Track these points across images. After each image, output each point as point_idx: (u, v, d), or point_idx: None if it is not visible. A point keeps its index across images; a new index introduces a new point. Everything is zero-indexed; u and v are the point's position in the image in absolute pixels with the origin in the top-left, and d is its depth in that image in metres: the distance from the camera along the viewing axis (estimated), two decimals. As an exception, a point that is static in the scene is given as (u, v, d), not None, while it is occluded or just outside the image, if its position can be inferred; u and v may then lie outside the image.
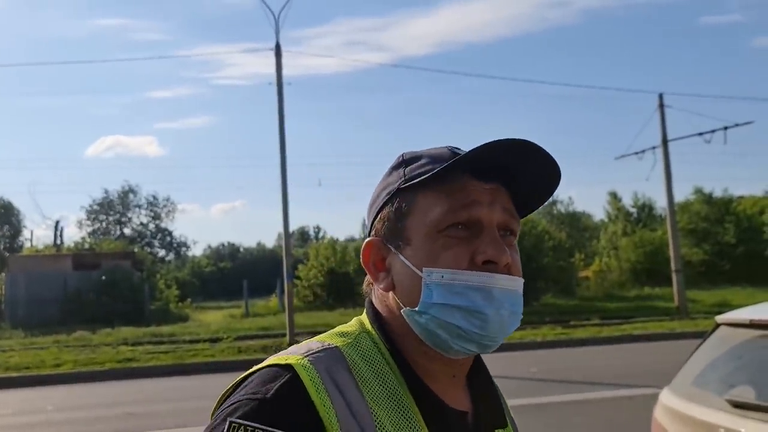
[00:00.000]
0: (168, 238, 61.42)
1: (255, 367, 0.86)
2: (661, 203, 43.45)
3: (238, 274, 47.08)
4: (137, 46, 78.60)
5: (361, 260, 0.97)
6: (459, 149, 0.95)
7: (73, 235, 69.98)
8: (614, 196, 44.97)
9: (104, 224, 58.34)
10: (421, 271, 0.88)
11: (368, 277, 0.98)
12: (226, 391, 0.87)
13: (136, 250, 40.93)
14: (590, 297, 29.65)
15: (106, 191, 57.60)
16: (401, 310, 0.90)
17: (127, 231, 58.39)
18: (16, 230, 54.14)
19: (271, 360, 0.87)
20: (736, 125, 20.26)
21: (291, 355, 0.87)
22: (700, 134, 21.07)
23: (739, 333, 3.04)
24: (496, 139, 0.85)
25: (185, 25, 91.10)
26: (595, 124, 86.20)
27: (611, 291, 31.70)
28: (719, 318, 3.26)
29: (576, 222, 52.19)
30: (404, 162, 0.96)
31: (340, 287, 28.75)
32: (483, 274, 0.87)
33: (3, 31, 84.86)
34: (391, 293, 0.93)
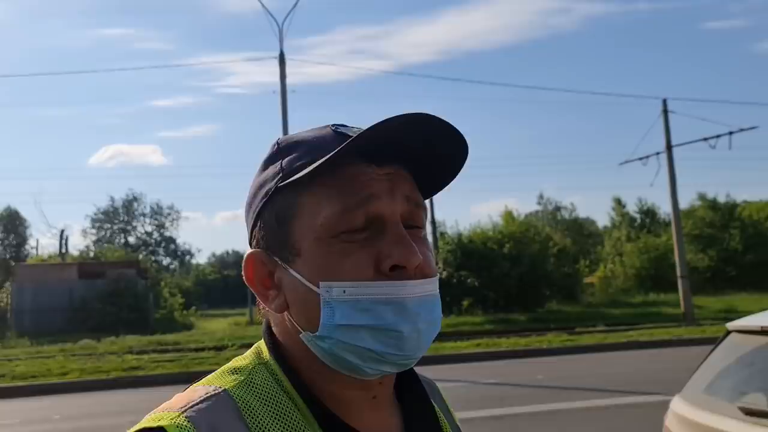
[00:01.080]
0: (172, 247, 61.60)
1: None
2: (665, 209, 43.43)
3: (242, 281, 46.98)
4: (141, 55, 79.16)
5: (244, 278, 0.81)
6: (344, 128, 0.80)
7: (77, 243, 70.21)
8: (618, 202, 44.91)
9: (108, 233, 58.57)
10: (318, 287, 0.73)
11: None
12: None
13: (140, 258, 40.99)
14: (595, 303, 29.56)
15: (111, 199, 57.96)
16: (300, 335, 0.76)
17: (131, 239, 58.60)
18: (22, 239, 54.31)
19: (144, 422, 0.72)
20: (741, 130, 20.24)
21: (166, 412, 0.71)
22: (705, 139, 21.05)
23: (751, 340, 3.03)
24: (387, 117, 0.72)
25: (188, 34, 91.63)
26: (599, 131, 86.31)
27: (616, 297, 31.61)
28: (730, 325, 3.25)
29: (580, 228, 52.09)
30: (280, 152, 0.80)
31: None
32: (393, 284, 0.73)
33: (8, 42, 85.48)
34: (285, 314, 0.78)
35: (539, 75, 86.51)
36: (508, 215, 30.69)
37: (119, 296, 27.94)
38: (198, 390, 0.76)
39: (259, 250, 0.80)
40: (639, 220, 43.62)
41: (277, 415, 0.74)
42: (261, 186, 0.80)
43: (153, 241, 60.21)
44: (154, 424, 0.70)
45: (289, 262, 0.77)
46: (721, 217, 37.05)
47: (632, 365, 11.92)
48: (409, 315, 0.73)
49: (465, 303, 26.22)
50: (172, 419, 0.70)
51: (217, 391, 0.75)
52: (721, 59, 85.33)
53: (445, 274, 26.80)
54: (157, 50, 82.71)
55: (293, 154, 0.79)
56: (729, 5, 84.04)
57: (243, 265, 0.81)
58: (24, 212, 58.27)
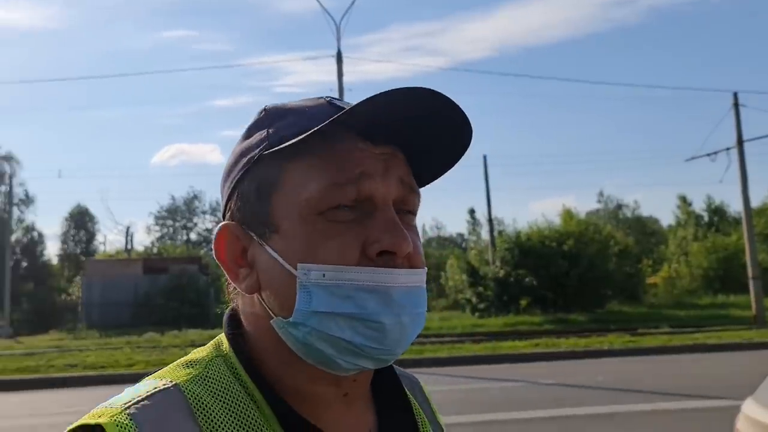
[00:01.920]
0: (232, 243, 63.16)
1: (66, 429, 0.66)
2: (734, 207, 41.65)
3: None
4: (202, 56, 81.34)
5: (213, 253, 0.74)
6: (340, 101, 0.74)
7: (142, 239, 72.89)
8: (684, 200, 43.37)
9: (171, 230, 60.53)
10: (296, 268, 0.67)
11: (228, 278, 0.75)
12: None
13: (201, 254, 42.23)
14: (658, 304, 28.65)
15: (173, 197, 59.90)
16: (271, 320, 0.70)
17: (192, 236, 60.41)
18: (91, 235, 56.81)
19: (84, 418, 0.65)
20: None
21: (108, 408, 0.65)
22: (778, 134, 20.05)
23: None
24: (386, 90, 0.65)
25: (247, 35, 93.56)
26: (663, 126, 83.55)
27: (681, 298, 30.54)
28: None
29: (642, 227, 50.57)
30: (268, 118, 0.73)
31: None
32: (379, 271, 0.66)
33: (75, 46, 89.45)
34: (256, 296, 0.72)
35: (601, 69, 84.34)
36: (567, 213, 30.07)
37: (181, 291, 28.86)
38: (146, 384, 0.69)
39: (233, 223, 0.73)
40: (706, 219, 41.99)
41: (232, 412, 0.67)
42: (243, 154, 0.73)
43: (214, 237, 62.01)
44: (93, 421, 0.64)
45: (265, 239, 0.70)
46: (795, 215, 35.23)
47: (698, 369, 11.48)
48: (393, 306, 0.67)
49: (523, 302, 25.85)
50: (112, 416, 0.63)
51: (166, 386, 0.68)
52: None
53: (502, 273, 26.51)
54: (217, 51, 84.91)
55: (282, 122, 0.72)
56: (805, -8, 79.71)
57: (214, 238, 0.74)
58: (92, 209, 60.95)
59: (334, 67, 17.97)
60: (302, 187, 0.69)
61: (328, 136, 0.67)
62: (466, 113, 0.71)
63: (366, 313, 0.66)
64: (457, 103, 0.69)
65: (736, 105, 21.57)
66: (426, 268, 0.73)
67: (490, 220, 30.06)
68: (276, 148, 0.69)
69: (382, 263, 0.67)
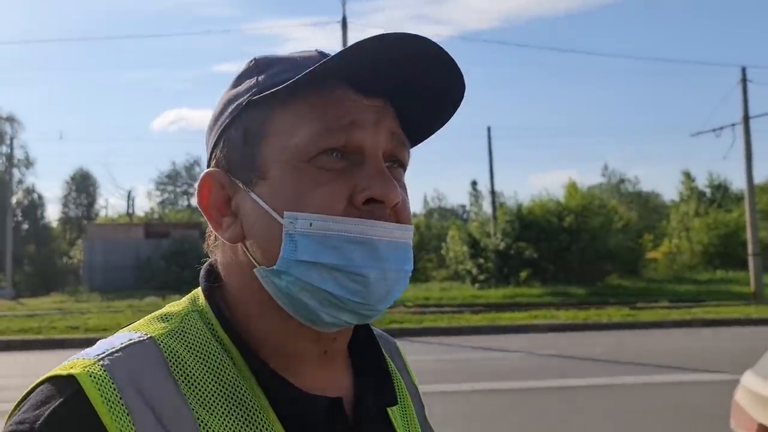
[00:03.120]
0: (233, 210, 63.41)
1: (37, 380, 0.64)
2: (737, 183, 41.56)
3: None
4: (205, 21, 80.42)
5: (197, 201, 0.72)
6: (332, 53, 0.71)
7: (143, 204, 73.00)
8: (687, 176, 43.24)
9: (172, 195, 60.60)
10: (282, 216, 0.66)
11: (210, 228, 0.73)
12: (11, 411, 0.64)
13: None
14: (658, 279, 28.75)
15: (174, 163, 59.80)
16: (254, 269, 0.68)
17: (193, 202, 60.44)
18: (93, 199, 56.88)
19: (56, 369, 0.63)
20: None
21: (80, 359, 0.63)
22: (786, 110, 19.88)
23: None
24: (375, 34, 0.63)
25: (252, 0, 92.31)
26: (668, 101, 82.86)
27: (681, 273, 30.64)
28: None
29: (645, 202, 50.52)
30: (257, 67, 0.72)
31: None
32: (366, 222, 0.65)
33: (78, 5, 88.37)
34: (239, 246, 0.70)
35: (607, 42, 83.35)
36: (572, 186, 29.97)
37: (183, 256, 28.96)
38: (120, 336, 0.68)
39: (218, 170, 0.71)
40: (709, 195, 41.90)
41: (209, 367, 0.66)
42: (231, 101, 0.71)
43: (215, 204, 62.18)
44: (65, 372, 0.62)
45: (251, 186, 0.69)
46: (798, 193, 35.14)
47: (696, 343, 11.57)
48: (378, 259, 0.65)
49: (523, 274, 25.95)
50: (85, 367, 0.62)
51: (141, 338, 0.67)
52: (808, 25, 79.99)
53: (503, 245, 26.55)
54: (220, 16, 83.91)
55: (272, 70, 0.70)
56: (819, -33, 78.28)
57: (198, 185, 0.72)
58: (94, 173, 60.85)
59: (339, 33, 17.77)
60: (291, 133, 0.67)
61: (318, 85, 0.66)
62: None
63: (351, 265, 0.65)
64: (457, 64, 0.67)
65: (744, 80, 21.34)
66: (413, 226, 0.71)
67: (492, 192, 29.99)
68: (264, 93, 0.68)
69: (369, 213, 0.66)
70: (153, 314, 0.72)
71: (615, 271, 27.62)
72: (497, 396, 7.42)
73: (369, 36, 0.63)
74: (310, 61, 0.68)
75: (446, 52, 0.66)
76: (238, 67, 0.75)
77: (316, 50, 0.72)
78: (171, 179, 60.32)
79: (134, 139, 77.74)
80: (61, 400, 0.60)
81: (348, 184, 0.66)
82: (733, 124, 21.34)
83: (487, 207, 33.32)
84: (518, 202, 29.43)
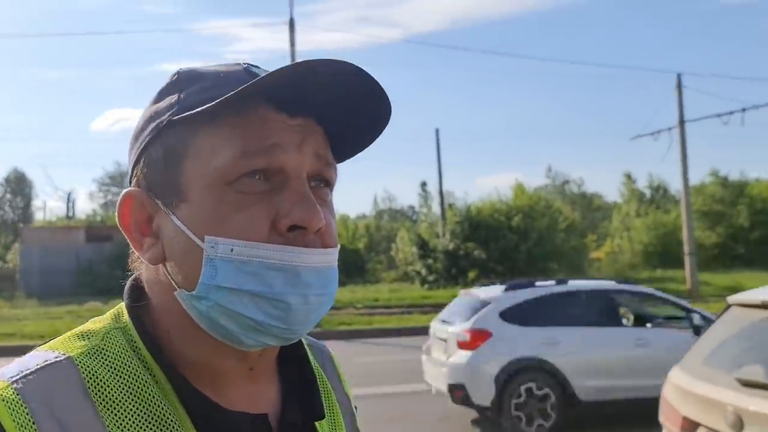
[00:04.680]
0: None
1: None
2: (675, 185, 43.17)
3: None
4: (147, 18, 78.56)
5: (117, 220, 0.71)
6: (257, 68, 0.71)
7: (85, 207, 70.69)
8: (629, 177, 44.66)
9: (116, 197, 58.93)
10: (203, 240, 0.64)
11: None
12: None
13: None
14: (601, 278, 29.55)
15: (118, 163, 58.14)
16: (174, 292, 0.67)
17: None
18: (28, 200, 54.78)
19: None
20: (754, 107, 19.95)
21: None
22: (718, 116, 20.77)
23: (751, 313, 3.00)
24: (304, 60, 0.64)
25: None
26: (610, 105, 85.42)
27: (623, 272, 31.59)
28: (731, 299, 3.23)
29: (588, 203, 51.93)
30: (180, 82, 0.70)
31: (350, 264, 28.82)
32: (288, 249, 0.64)
33: (16, 1, 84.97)
34: (160, 267, 0.69)
35: (552, 47, 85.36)
36: (519, 188, 30.54)
37: (126, 260, 28.07)
38: (36, 356, 0.65)
39: (139, 189, 0.70)
40: (649, 196, 43.39)
41: (130, 388, 0.64)
42: (152, 118, 0.70)
43: (161, 207, 60.90)
44: None
45: (172, 208, 0.67)
46: (730, 194, 36.76)
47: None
48: (300, 285, 0.65)
49: (471, 275, 26.28)
50: None
51: (58, 359, 0.64)
52: (737, 35, 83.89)
53: (452, 245, 26.83)
54: (164, 14, 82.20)
55: (194, 87, 0.69)
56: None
57: (118, 205, 0.71)
58: (30, 174, 58.55)
59: (287, 35, 17.61)
60: (212, 155, 0.65)
61: (240, 105, 0.65)
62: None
63: (271, 292, 0.64)
64: (380, 82, 0.67)
65: (679, 86, 22.18)
66: (338, 245, 0.71)
67: (441, 193, 30.27)
68: (186, 114, 0.66)
69: (293, 239, 0.65)
70: (73, 331, 0.70)
71: (561, 271, 28.25)
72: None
73: (292, 63, 0.63)
74: (234, 78, 0.67)
75: (370, 76, 0.66)
76: (185, 67, 0.74)
77: (242, 66, 0.71)
78: (114, 180, 58.62)
79: (73, 139, 75.27)
80: None
81: (270, 209, 0.65)
82: (670, 128, 22.17)
83: (436, 208, 33.63)
84: (467, 203, 29.82)
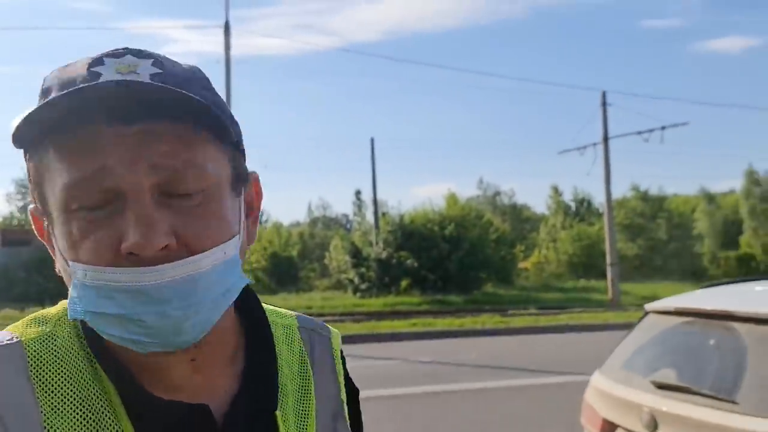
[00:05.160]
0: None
1: None
2: (599, 198, 44.92)
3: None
4: (76, 15, 75.57)
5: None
6: (112, 59, 0.66)
7: (1, 209, 67.00)
8: (555, 190, 46.16)
9: (37, 200, 56.14)
10: (68, 264, 0.65)
11: None
12: None
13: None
14: (528, 287, 30.42)
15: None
16: None
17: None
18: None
19: None
20: (673, 126, 21.08)
21: None
22: (639, 133, 21.84)
23: (666, 320, 3.19)
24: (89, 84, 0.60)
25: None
26: (540, 119, 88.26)
27: (549, 282, 32.62)
28: (648, 306, 3.42)
29: (518, 214, 53.36)
30: (42, 92, 0.67)
31: (283, 271, 28.52)
32: (127, 271, 0.62)
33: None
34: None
35: (486, 61, 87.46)
36: (452, 198, 31.07)
37: (46, 265, 26.82)
38: None
39: (35, 205, 0.70)
40: (574, 209, 45.00)
41: (69, 375, 0.67)
42: None
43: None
44: None
45: (52, 227, 0.67)
46: (650, 208, 38.68)
47: (561, 347, 12.34)
48: (151, 303, 0.62)
49: (403, 283, 26.49)
50: None
51: (10, 341, 0.68)
52: (658, 56, 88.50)
53: (385, 254, 26.97)
54: (93, 11, 79.26)
55: (40, 100, 0.65)
56: (669, 5, 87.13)
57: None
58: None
59: (222, 38, 17.35)
60: (54, 182, 0.64)
61: (71, 119, 0.61)
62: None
63: (129, 313, 0.63)
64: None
65: (604, 104, 23.18)
66: (213, 249, 0.65)
67: (375, 202, 30.43)
68: (15, 131, 0.62)
69: (138, 260, 0.62)
70: (35, 314, 0.73)
71: (490, 280, 28.90)
72: (374, 403, 7.53)
73: (86, 85, 0.61)
74: (72, 84, 0.63)
75: (159, 86, 0.62)
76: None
77: (94, 60, 0.66)
78: (34, 182, 55.87)
79: (-9, 138, 71.22)
80: None
81: (113, 233, 0.62)
82: (595, 144, 23.12)
83: (370, 217, 33.77)
84: (401, 212, 30.10)
